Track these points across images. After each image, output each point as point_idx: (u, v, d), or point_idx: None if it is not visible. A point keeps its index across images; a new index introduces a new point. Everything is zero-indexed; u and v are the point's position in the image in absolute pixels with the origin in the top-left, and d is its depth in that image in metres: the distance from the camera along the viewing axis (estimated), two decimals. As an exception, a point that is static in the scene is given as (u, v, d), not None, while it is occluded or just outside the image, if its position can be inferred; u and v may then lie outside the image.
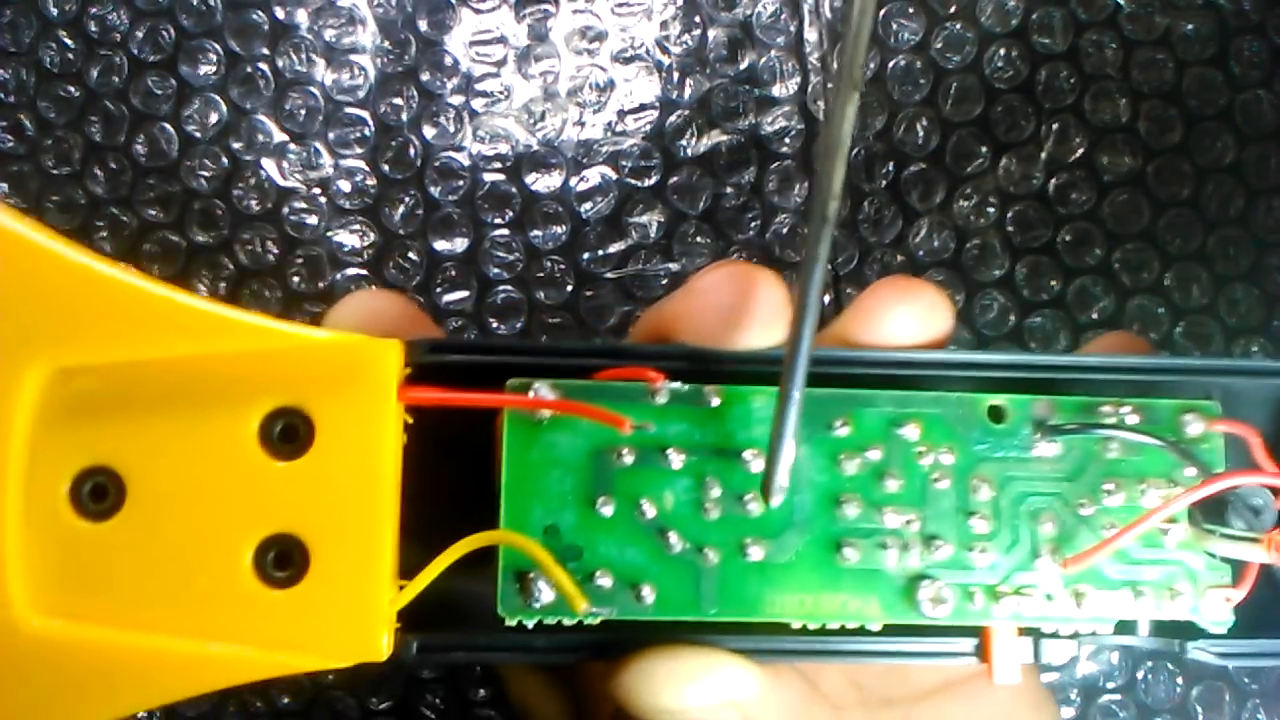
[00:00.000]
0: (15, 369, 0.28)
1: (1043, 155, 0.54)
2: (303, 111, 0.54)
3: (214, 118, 0.54)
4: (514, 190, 0.54)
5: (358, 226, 0.53)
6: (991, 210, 0.54)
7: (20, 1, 0.54)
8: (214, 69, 0.54)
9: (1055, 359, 0.33)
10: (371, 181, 0.53)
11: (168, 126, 0.53)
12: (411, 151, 0.54)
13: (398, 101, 0.54)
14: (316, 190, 0.53)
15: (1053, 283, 0.53)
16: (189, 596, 0.29)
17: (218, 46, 0.54)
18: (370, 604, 0.29)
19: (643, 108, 0.54)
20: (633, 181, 0.54)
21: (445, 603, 0.31)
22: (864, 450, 0.32)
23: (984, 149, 0.54)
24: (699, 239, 0.53)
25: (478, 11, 0.54)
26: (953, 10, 0.55)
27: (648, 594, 0.31)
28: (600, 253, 0.53)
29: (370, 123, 0.54)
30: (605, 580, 0.31)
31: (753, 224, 0.54)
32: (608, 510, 0.31)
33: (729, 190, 0.54)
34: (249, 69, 0.54)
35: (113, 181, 0.53)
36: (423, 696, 0.51)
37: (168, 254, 0.53)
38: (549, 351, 0.32)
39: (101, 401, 0.29)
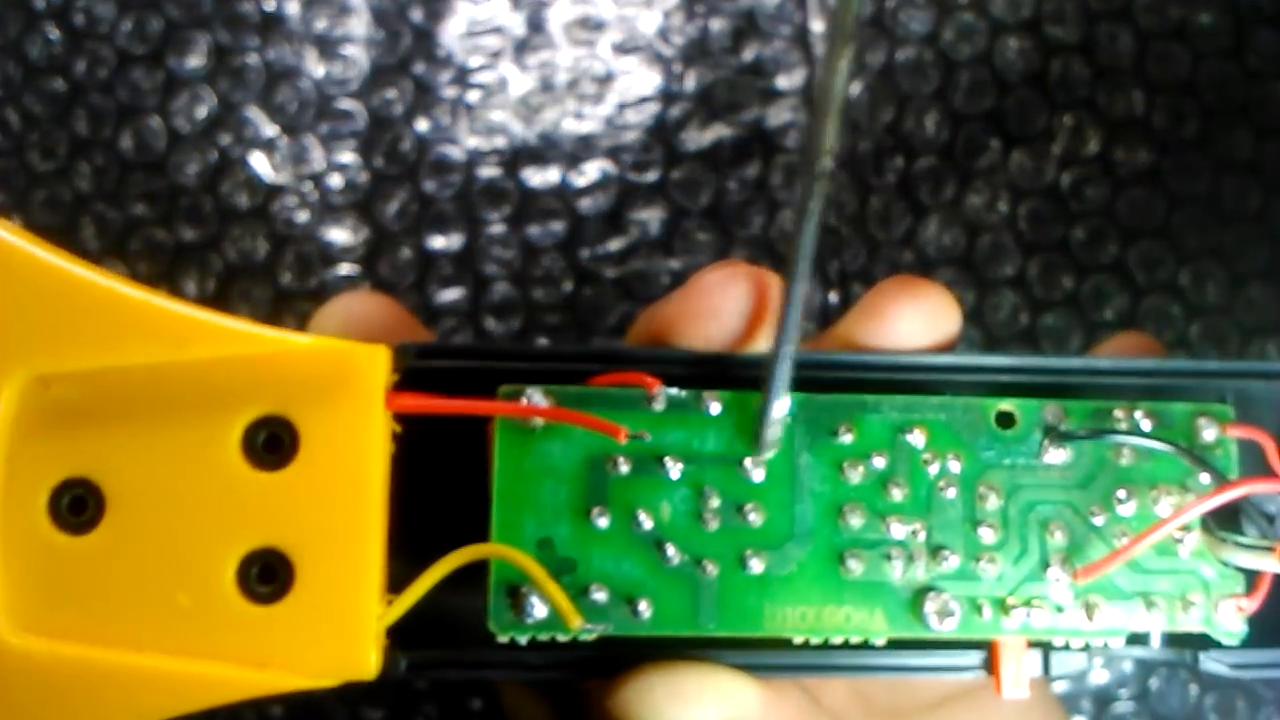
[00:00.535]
0: (-10, 377, 0.28)
1: (1056, 150, 0.53)
2: (293, 105, 0.53)
3: (202, 111, 0.53)
4: (510, 185, 0.53)
5: (350, 223, 0.53)
6: (1003, 206, 0.53)
7: (6, -7, 0.53)
8: (202, 61, 0.53)
9: (1066, 362, 0.33)
10: (364, 176, 0.53)
11: (155, 121, 0.53)
12: (405, 145, 0.53)
13: (391, 94, 0.53)
14: (307, 186, 0.53)
15: (1066, 281, 0.53)
16: (170, 613, 0.28)
17: (206, 38, 0.53)
18: (357, 620, 0.28)
19: (643, 100, 0.54)
20: (633, 176, 0.53)
21: (435, 618, 0.30)
22: (868, 458, 0.32)
23: (995, 143, 0.53)
24: (701, 236, 0.53)
25: (473, 1, 0.54)
26: (963, 1, 0.54)
27: (644, 609, 0.30)
28: (599, 250, 0.53)
29: (363, 116, 0.53)
30: (600, 594, 0.30)
31: (757, 220, 0.53)
32: (603, 522, 0.31)
33: (732, 185, 0.53)
34: (238, 61, 0.53)
35: (99, 177, 0.53)
36: (417, 707, 0.51)
37: (155, 251, 0.52)
38: (542, 356, 0.32)
39: (80, 410, 0.28)
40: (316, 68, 0.53)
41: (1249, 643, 0.32)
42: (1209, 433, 0.32)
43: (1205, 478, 0.32)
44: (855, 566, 0.31)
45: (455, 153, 0.53)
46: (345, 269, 0.52)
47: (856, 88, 0.53)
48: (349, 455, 0.29)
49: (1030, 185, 0.53)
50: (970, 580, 0.31)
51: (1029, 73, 0.54)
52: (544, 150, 0.53)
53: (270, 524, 0.28)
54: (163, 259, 0.52)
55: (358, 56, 0.53)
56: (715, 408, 0.31)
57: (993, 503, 0.32)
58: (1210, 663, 0.32)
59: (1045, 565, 0.32)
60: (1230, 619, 0.32)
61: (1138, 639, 0.33)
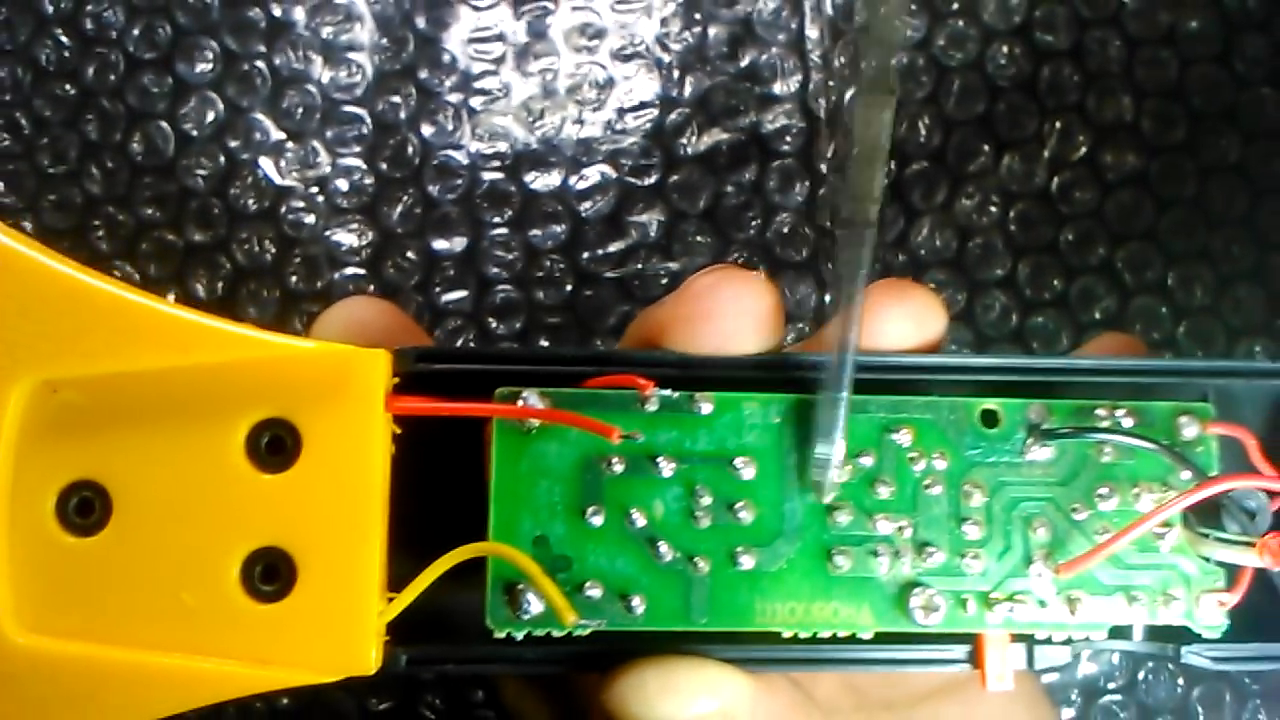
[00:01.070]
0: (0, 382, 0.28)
1: (1046, 154, 0.54)
2: (300, 110, 0.53)
3: (210, 116, 0.53)
4: (513, 189, 0.53)
5: (356, 225, 0.53)
6: (994, 209, 0.53)
7: (16, -1, 0.54)
8: (210, 67, 0.54)
9: (1049, 361, 0.33)
10: (369, 180, 0.53)
11: (164, 125, 0.53)
12: (410, 150, 0.53)
13: (396, 99, 0.54)
14: (314, 189, 0.53)
15: (1055, 282, 0.53)
16: (176, 611, 0.28)
17: (214, 44, 0.54)
18: (358, 617, 0.29)
19: (642, 105, 0.54)
20: (632, 180, 0.54)
21: (434, 614, 0.30)
22: (856, 456, 0.32)
23: (986, 147, 0.54)
24: (699, 238, 0.53)
25: (476, 9, 0.54)
26: (955, 7, 0.54)
27: (638, 604, 0.31)
28: (600, 252, 0.53)
29: (368, 121, 0.54)
30: (595, 591, 0.31)
31: (753, 223, 0.53)
32: (597, 520, 0.31)
33: (730, 189, 0.53)
34: (246, 67, 0.54)
35: (109, 180, 0.53)
36: (422, 698, 0.51)
37: (164, 253, 0.53)
38: (538, 359, 0.32)
39: (87, 414, 0.29)
40: (323, 73, 0.54)
41: (1230, 636, 0.33)
42: (1190, 430, 0.33)
43: (1186, 474, 0.32)
44: (843, 562, 0.31)
45: (459, 157, 0.54)
46: (351, 270, 0.53)
47: (849, 93, 0.54)
48: (350, 457, 0.29)
49: (1020, 188, 0.53)
50: (955, 576, 0.32)
51: (1019, 78, 0.54)
52: (545, 154, 0.54)
53: (273, 524, 0.29)
54: (172, 261, 0.53)
55: (363, 62, 0.54)
56: (707, 408, 0.32)
57: (977, 500, 0.32)
58: (1192, 656, 0.33)
59: (1028, 561, 0.32)
60: (1212, 613, 0.32)
61: (1120, 633, 0.33)
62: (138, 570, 0.29)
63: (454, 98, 0.54)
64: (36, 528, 0.28)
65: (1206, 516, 0.32)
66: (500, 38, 0.54)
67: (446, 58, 0.54)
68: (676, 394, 0.32)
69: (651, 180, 0.54)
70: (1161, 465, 0.33)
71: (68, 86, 0.54)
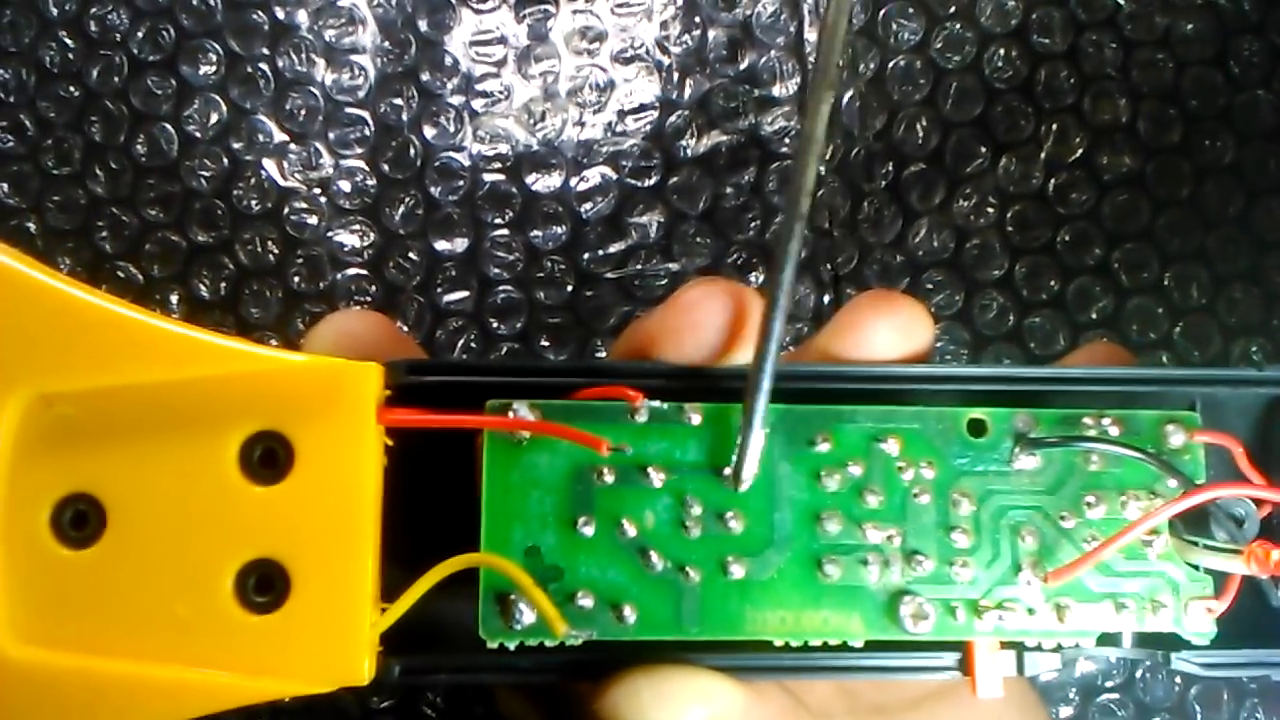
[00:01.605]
0: (-5, 395, 0.28)
1: (1042, 155, 0.54)
2: (303, 111, 0.54)
3: (214, 118, 0.54)
4: (514, 190, 0.54)
5: (358, 226, 0.53)
6: (991, 210, 0.53)
7: (20, 1, 0.54)
8: (214, 69, 0.54)
9: (1036, 371, 0.33)
10: (372, 181, 0.54)
11: (168, 126, 0.54)
12: (412, 151, 0.54)
13: (398, 101, 0.54)
14: (317, 190, 0.53)
15: (1052, 283, 0.53)
16: (170, 623, 0.29)
17: (218, 46, 0.54)
18: (352, 628, 0.29)
19: (643, 108, 0.54)
20: (633, 182, 0.54)
21: (427, 624, 0.31)
22: (844, 466, 0.32)
23: (984, 149, 0.54)
24: (699, 239, 0.53)
25: (478, 11, 0.54)
26: (952, 10, 0.54)
27: (629, 614, 0.31)
28: (600, 253, 0.53)
29: (370, 123, 0.54)
30: (586, 601, 0.31)
31: (753, 224, 0.53)
32: (588, 530, 0.31)
33: (729, 190, 0.54)
34: (249, 69, 0.54)
35: (113, 181, 0.53)
36: (423, 695, 0.51)
37: (168, 254, 0.53)
38: (529, 371, 0.32)
39: (81, 428, 0.29)
40: (326, 75, 0.54)
41: (1219, 642, 0.33)
42: (1176, 438, 0.33)
43: (1173, 483, 0.32)
44: (833, 571, 0.32)
45: (460, 158, 0.54)
46: (353, 271, 0.53)
47: (847, 95, 0.54)
48: (342, 469, 0.29)
49: (1017, 190, 0.54)
50: (944, 584, 0.32)
51: (1016, 80, 0.54)
52: (546, 156, 0.54)
53: (266, 536, 0.29)
54: (176, 261, 0.53)
55: (366, 65, 0.54)
56: (696, 419, 0.32)
57: (965, 508, 0.32)
58: (1181, 663, 0.33)
59: (1017, 569, 0.32)
60: (1200, 620, 0.32)
61: (1109, 639, 0.33)
62: (132, 582, 0.29)
63: (456, 100, 0.54)
64: (31, 540, 0.28)
65: (1194, 524, 0.32)
66: (502, 40, 0.54)
67: (448, 60, 0.54)
68: (666, 405, 0.32)
69: (651, 182, 0.54)
70: (1149, 473, 0.33)
71: (72, 88, 0.54)
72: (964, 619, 0.32)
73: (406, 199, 0.53)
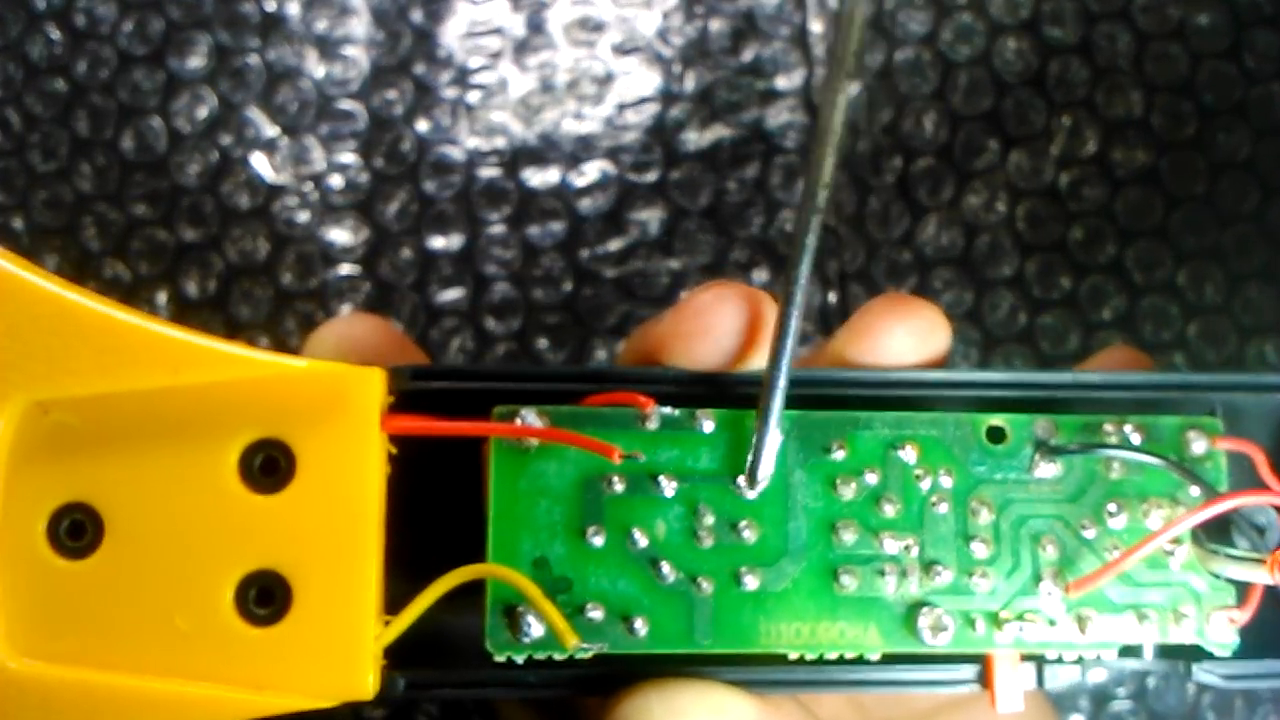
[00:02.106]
0: (-10, 403, 0.28)
1: (1054, 150, 0.53)
2: (294, 105, 0.53)
3: (203, 112, 0.53)
4: (511, 186, 0.53)
5: (350, 223, 0.53)
6: (1001, 206, 0.53)
7: (6, -6, 0.53)
8: (203, 62, 0.53)
9: (1055, 376, 0.33)
10: (364, 177, 0.53)
11: (156, 121, 0.53)
12: (405, 146, 0.53)
13: (391, 95, 0.53)
14: (308, 186, 0.53)
15: (1064, 281, 0.53)
16: (170, 636, 0.28)
17: (207, 39, 0.53)
18: (355, 641, 0.29)
19: (643, 101, 0.54)
20: (633, 177, 0.53)
21: (433, 637, 0.30)
22: (860, 474, 0.32)
23: (994, 144, 0.53)
24: (701, 236, 0.53)
25: (473, 2, 0.54)
26: (962, 2, 0.54)
27: (640, 626, 0.31)
28: (599, 250, 0.53)
29: (363, 116, 0.53)
30: (596, 613, 0.31)
31: (756, 220, 0.53)
32: (598, 540, 0.31)
33: (732, 186, 0.53)
34: (239, 62, 0.53)
35: (100, 178, 0.53)
36: (418, 705, 0.51)
37: (156, 251, 0.52)
38: (536, 377, 0.32)
39: (78, 436, 0.28)
40: (317, 68, 0.53)
41: (1242, 653, 0.32)
42: (1198, 445, 0.32)
43: (1195, 490, 0.32)
44: (849, 582, 0.31)
45: (455, 153, 0.53)
46: (346, 269, 0.52)
47: (855, 88, 0.53)
48: (345, 477, 0.29)
49: (1028, 185, 0.53)
50: (963, 595, 0.32)
51: (1027, 73, 0.53)
52: (544, 150, 0.53)
53: (267, 546, 0.28)
54: (164, 259, 0.52)
55: (358, 57, 0.53)
56: (708, 426, 0.31)
57: (984, 517, 0.32)
58: (1203, 674, 0.32)
59: (1037, 579, 0.32)
60: (1222, 631, 0.32)
61: (1130, 651, 0.33)
62: (130, 594, 0.28)
63: (450, 93, 0.53)
64: (28, 551, 0.28)
65: (1216, 533, 0.32)
66: (498, 32, 0.54)
67: (443, 52, 0.54)
68: (677, 411, 0.31)
69: (652, 177, 0.53)
70: (1170, 481, 0.32)
71: (58, 82, 0.53)
72: (983, 631, 0.32)
73: (400, 195, 0.53)
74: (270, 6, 0.54)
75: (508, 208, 0.53)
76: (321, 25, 0.53)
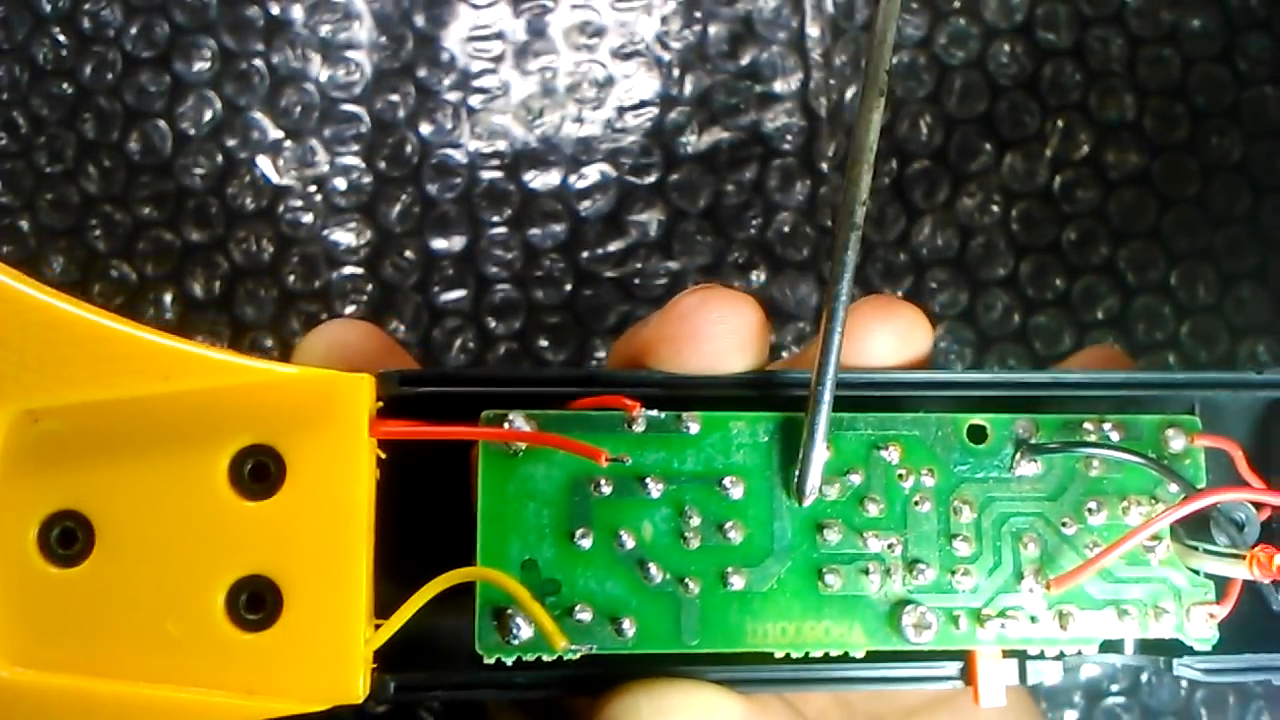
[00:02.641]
0: (-20, 412, 0.28)
1: (1048, 152, 0.53)
2: (298, 108, 0.53)
3: (208, 115, 0.53)
4: (512, 188, 0.53)
5: (354, 225, 0.53)
6: (996, 208, 0.53)
7: (13, -2, 0.54)
8: (208, 65, 0.54)
9: (1035, 376, 0.33)
10: (367, 179, 0.53)
11: (162, 124, 0.53)
12: (408, 149, 0.53)
13: (394, 98, 0.54)
14: (312, 188, 0.53)
15: (1058, 281, 0.53)
16: (161, 642, 0.28)
17: (212, 42, 0.54)
18: (345, 645, 0.29)
19: (642, 104, 0.54)
20: (632, 179, 0.53)
21: (423, 640, 0.30)
22: (844, 474, 0.32)
23: (988, 146, 0.53)
24: (700, 237, 0.53)
25: (475, 7, 0.54)
26: (956, 5, 0.54)
27: (628, 627, 0.31)
28: (599, 251, 0.53)
29: (366, 120, 0.53)
30: (585, 614, 0.31)
31: (754, 222, 0.53)
32: (586, 542, 0.31)
33: (730, 188, 0.53)
34: (244, 65, 0.54)
35: (106, 180, 0.53)
36: (420, 700, 0.51)
37: (162, 253, 0.53)
38: (524, 381, 0.32)
39: (68, 444, 0.28)
40: (321, 72, 0.54)
41: (1221, 648, 0.33)
42: (1177, 443, 0.33)
43: (1174, 487, 0.32)
44: (833, 581, 0.31)
45: (457, 156, 0.53)
46: (349, 270, 0.53)
47: (849, 91, 0.54)
48: (334, 483, 0.29)
49: (1022, 188, 0.53)
50: (946, 592, 0.32)
51: (1021, 77, 0.54)
52: (545, 153, 0.53)
53: (258, 552, 0.29)
54: (170, 260, 0.53)
55: (362, 61, 0.54)
56: (694, 428, 0.32)
57: (966, 516, 0.32)
58: (1184, 669, 0.33)
59: (1019, 576, 0.32)
60: (1202, 626, 0.32)
61: (1111, 646, 0.34)
62: (122, 601, 0.28)
63: (453, 96, 0.54)
64: (19, 559, 0.28)
65: (1195, 529, 0.32)
66: (499, 36, 0.54)
67: (445, 56, 0.54)
68: (664, 414, 0.32)
69: (651, 179, 0.53)
70: (1150, 478, 0.33)
71: (65, 85, 0.53)
72: (966, 628, 0.32)
73: (403, 197, 0.53)
74: (274, 11, 0.54)
75: (509, 209, 0.53)
76: (325, 29, 0.54)
